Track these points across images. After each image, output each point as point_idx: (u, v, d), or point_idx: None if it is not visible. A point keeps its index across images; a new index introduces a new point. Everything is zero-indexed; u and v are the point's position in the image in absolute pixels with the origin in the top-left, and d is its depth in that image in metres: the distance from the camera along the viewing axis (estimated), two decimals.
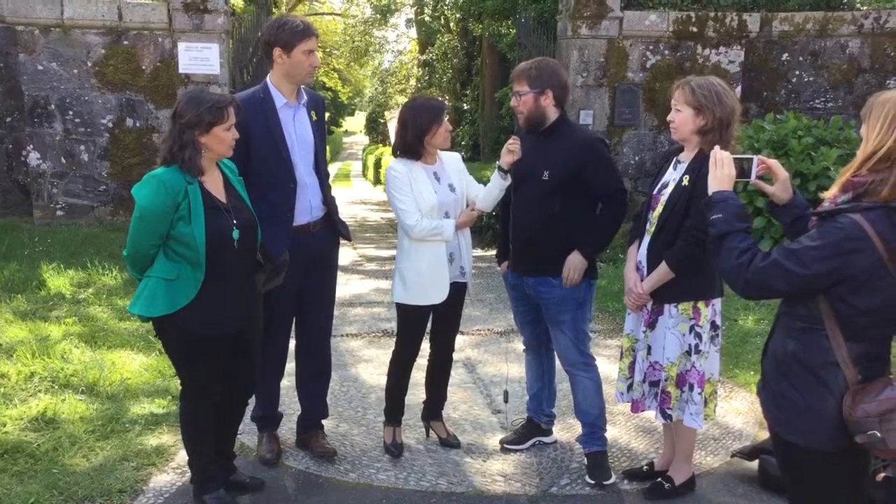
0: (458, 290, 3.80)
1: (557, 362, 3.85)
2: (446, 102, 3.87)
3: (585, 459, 3.77)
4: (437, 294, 3.68)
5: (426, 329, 3.87)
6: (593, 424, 3.73)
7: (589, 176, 3.50)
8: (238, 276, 3.13)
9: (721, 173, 2.39)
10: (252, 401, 3.65)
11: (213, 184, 3.10)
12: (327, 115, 3.95)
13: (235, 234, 3.06)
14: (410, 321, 3.80)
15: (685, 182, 3.22)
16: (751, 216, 2.40)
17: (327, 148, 4.05)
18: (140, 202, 2.95)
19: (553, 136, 3.59)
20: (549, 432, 4.08)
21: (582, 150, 3.53)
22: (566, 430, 4.21)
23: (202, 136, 2.98)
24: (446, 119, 3.66)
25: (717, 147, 2.50)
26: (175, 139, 2.98)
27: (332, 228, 3.76)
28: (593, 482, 3.65)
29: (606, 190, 3.57)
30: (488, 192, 3.70)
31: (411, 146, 3.64)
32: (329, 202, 3.73)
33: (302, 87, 3.65)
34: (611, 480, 3.65)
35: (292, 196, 3.55)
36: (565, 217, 3.54)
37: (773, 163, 2.50)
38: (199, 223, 2.96)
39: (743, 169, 2.46)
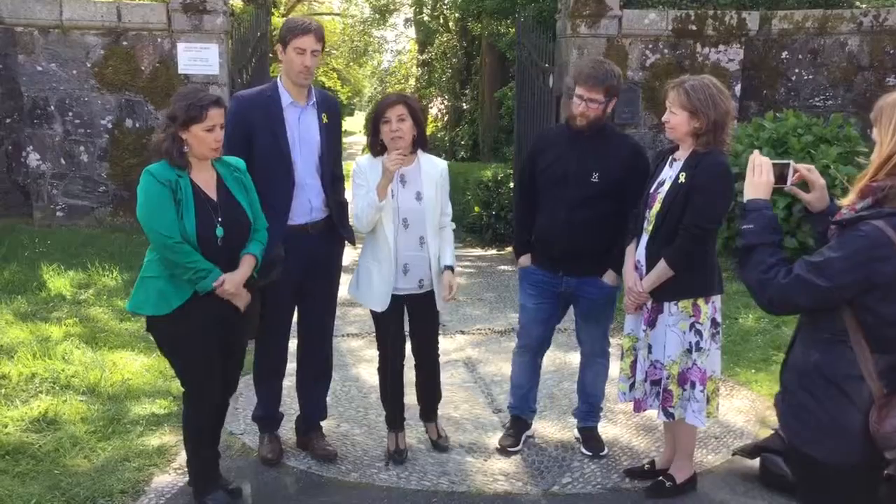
0: (419, 301, 3.69)
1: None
2: (412, 95, 3.72)
3: (579, 433, 4.00)
4: (376, 303, 3.62)
5: (398, 332, 3.78)
6: (595, 404, 3.96)
7: (631, 183, 3.53)
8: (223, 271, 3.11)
9: (759, 180, 2.26)
10: (254, 401, 3.65)
11: (204, 181, 3.11)
12: None
13: (219, 231, 3.07)
14: (376, 322, 3.77)
15: (682, 179, 3.23)
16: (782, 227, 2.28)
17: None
18: (140, 195, 3.00)
19: (598, 138, 3.61)
20: (529, 425, 4.13)
21: (633, 158, 3.64)
22: (568, 429, 4.21)
23: (182, 132, 3.00)
24: (395, 117, 3.43)
25: (756, 152, 2.36)
26: (163, 132, 3.04)
27: (333, 231, 3.72)
28: (591, 453, 3.89)
29: (639, 196, 3.56)
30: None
31: (370, 141, 3.63)
32: (333, 205, 3.68)
33: (313, 88, 3.64)
34: (605, 451, 3.90)
35: (289, 194, 3.54)
36: (614, 218, 3.58)
37: (808, 170, 2.39)
38: (190, 216, 3.00)
39: (781, 174, 2.34)
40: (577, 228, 3.59)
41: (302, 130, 3.58)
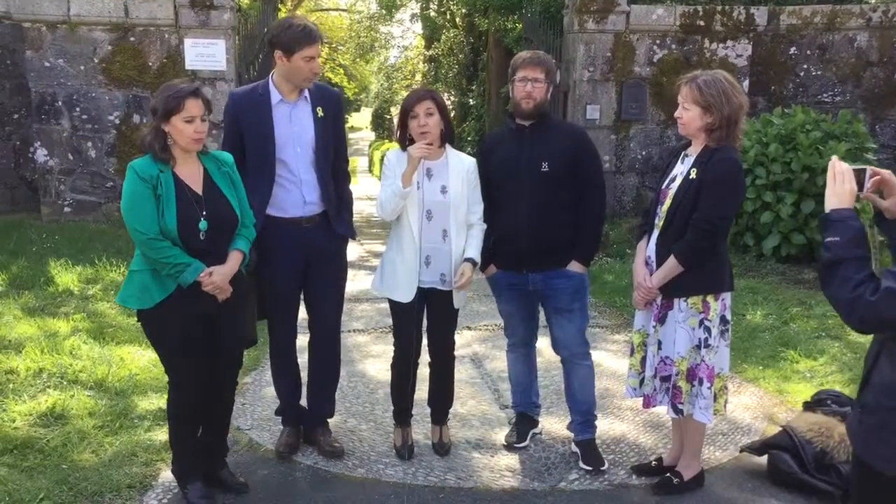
0: (440, 297, 3.66)
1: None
2: (437, 91, 3.76)
3: (577, 448, 3.82)
4: (402, 293, 3.60)
5: (416, 327, 3.76)
6: (588, 413, 3.83)
7: (585, 164, 3.62)
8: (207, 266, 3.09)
9: (842, 188, 2.09)
10: (261, 398, 3.64)
11: (190, 175, 3.11)
12: None
13: (203, 224, 3.06)
14: (395, 316, 3.76)
15: (693, 175, 3.22)
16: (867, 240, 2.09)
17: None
18: (123, 190, 3.04)
19: (541, 128, 3.64)
20: (537, 422, 4.12)
21: (578, 140, 3.69)
22: None
23: (164, 125, 3.02)
24: (423, 111, 3.47)
25: (835, 158, 2.19)
26: (149, 127, 3.08)
27: (332, 225, 3.70)
28: (591, 468, 3.71)
29: (595, 181, 3.67)
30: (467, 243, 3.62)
31: (398, 134, 3.64)
32: (330, 200, 3.65)
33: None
34: (605, 466, 3.72)
35: (268, 192, 3.54)
36: (572, 206, 3.61)
37: (888, 174, 2.23)
38: (171, 211, 3.00)
39: (858, 180, 2.19)
40: (539, 222, 3.58)
41: (295, 127, 3.55)
